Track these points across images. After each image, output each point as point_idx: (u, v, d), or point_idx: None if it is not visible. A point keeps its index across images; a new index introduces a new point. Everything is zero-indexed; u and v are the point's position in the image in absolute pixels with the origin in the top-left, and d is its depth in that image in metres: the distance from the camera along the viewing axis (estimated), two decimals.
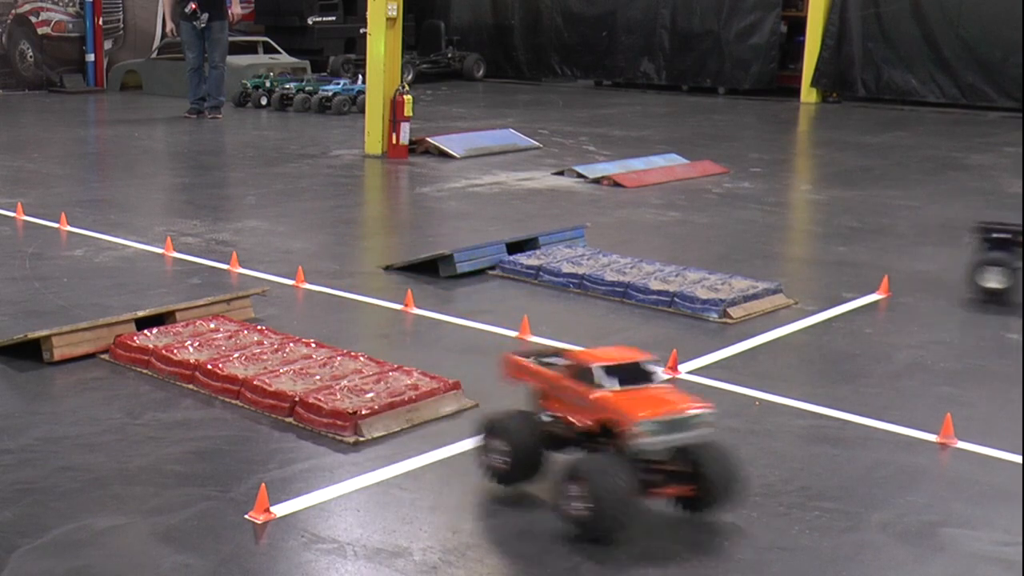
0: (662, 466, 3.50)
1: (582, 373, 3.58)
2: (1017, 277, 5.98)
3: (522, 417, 3.73)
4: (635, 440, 3.37)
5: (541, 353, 4.00)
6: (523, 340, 5.34)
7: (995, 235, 6.13)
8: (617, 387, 3.51)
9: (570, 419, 3.62)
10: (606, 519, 3.32)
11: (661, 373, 3.66)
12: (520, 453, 3.65)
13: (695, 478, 3.50)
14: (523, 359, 3.88)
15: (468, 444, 4.16)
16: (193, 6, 13.37)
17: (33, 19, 17.34)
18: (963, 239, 6.82)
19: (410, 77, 16.47)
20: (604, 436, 3.50)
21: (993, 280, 6.02)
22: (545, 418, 3.71)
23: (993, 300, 6.02)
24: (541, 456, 3.68)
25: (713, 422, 3.52)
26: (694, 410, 3.46)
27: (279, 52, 17.27)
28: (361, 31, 14.97)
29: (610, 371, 3.54)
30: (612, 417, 3.45)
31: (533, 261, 6.55)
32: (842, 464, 4.08)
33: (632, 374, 3.56)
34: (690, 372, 4.96)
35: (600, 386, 3.52)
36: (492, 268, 6.63)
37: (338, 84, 15.10)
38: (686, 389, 4.79)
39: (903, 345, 5.45)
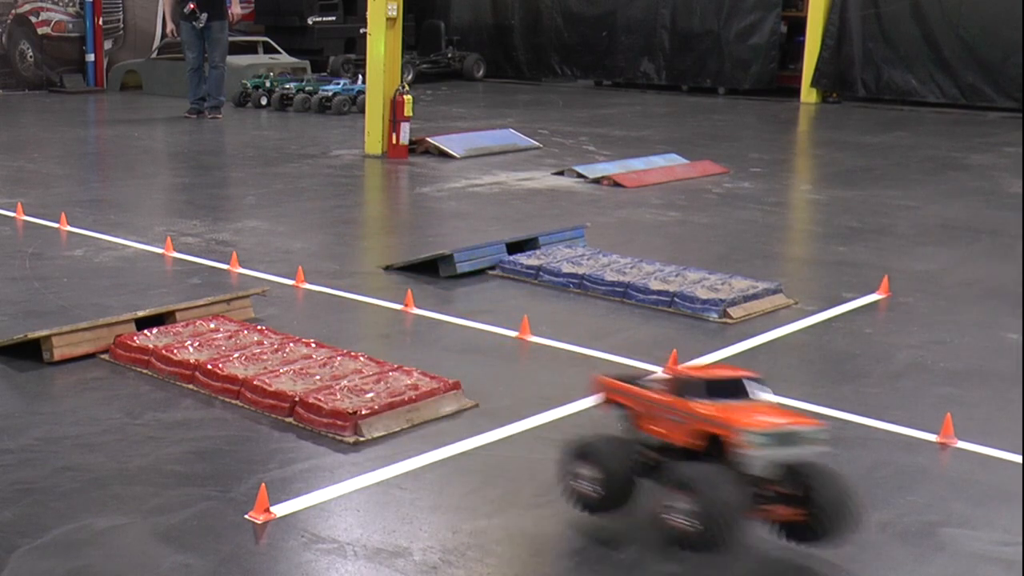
0: (771, 486, 3.26)
1: (684, 388, 3.39)
2: None
3: (615, 441, 3.50)
4: (745, 453, 3.17)
5: (628, 376, 3.81)
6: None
7: None
8: (720, 402, 3.33)
9: (670, 439, 3.41)
10: (713, 535, 3.10)
11: (765, 391, 3.44)
12: (613, 480, 3.41)
13: (805, 503, 3.23)
14: (615, 380, 3.68)
15: (468, 444, 4.17)
16: (192, 6, 13.37)
17: (33, 19, 17.35)
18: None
19: (410, 77, 16.48)
20: (709, 453, 3.29)
21: None
22: (641, 441, 3.49)
23: None
24: (634, 484, 3.45)
25: (826, 440, 3.33)
26: (807, 426, 3.28)
27: (279, 52, 17.27)
28: (361, 31, 14.97)
29: (712, 387, 3.37)
30: (719, 430, 3.24)
31: (533, 261, 6.55)
32: (842, 464, 4.07)
33: (734, 390, 3.38)
34: None
35: (704, 400, 3.34)
36: (492, 268, 6.63)
37: (338, 84, 15.10)
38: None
39: (903, 345, 5.45)
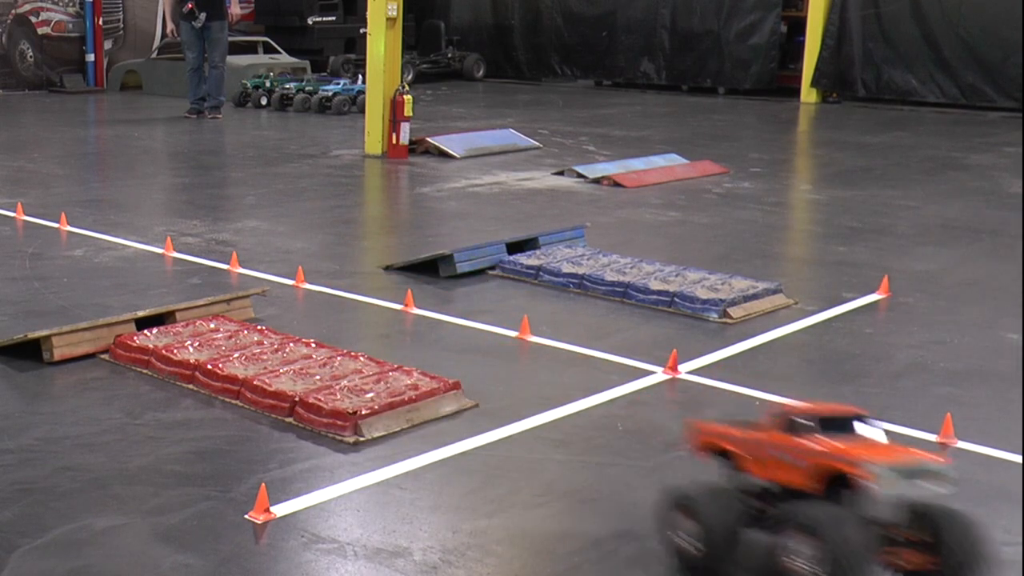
0: (898, 530, 3.05)
1: (796, 426, 3.15)
2: None
3: (718, 493, 3.25)
4: (871, 490, 2.93)
5: (725, 420, 3.63)
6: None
7: None
8: (837, 437, 3.10)
9: (783, 482, 3.15)
10: None
11: (875, 428, 3.20)
12: (716, 537, 3.15)
13: (935, 550, 3.01)
14: (714, 424, 3.48)
15: (468, 444, 4.17)
16: (190, 5, 13.37)
17: (33, 19, 17.35)
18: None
19: (410, 77, 16.48)
20: (826, 495, 3.03)
21: None
22: (743, 489, 3.27)
23: None
24: (738, 537, 3.18)
25: (955, 479, 3.11)
26: (935, 461, 3.07)
27: (279, 52, 17.27)
28: (361, 31, 14.97)
29: (826, 423, 3.13)
30: (843, 466, 2.99)
31: (533, 261, 6.55)
32: None
33: (846, 427, 3.15)
34: (690, 372, 4.96)
35: (821, 436, 3.10)
36: (492, 268, 6.63)
37: (338, 84, 15.10)
38: (688, 390, 4.80)
39: (903, 345, 5.45)
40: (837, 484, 3.01)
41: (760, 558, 3.13)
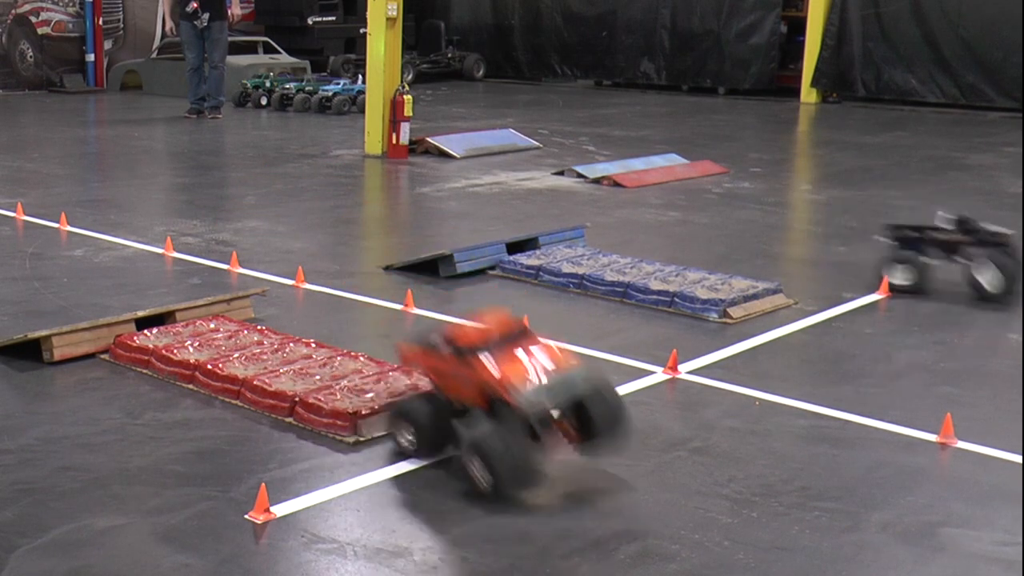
0: (554, 423, 3.81)
1: (460, 352, 3.83)
2: (924, 272, 6.29)
3: (424, 399, 3.99)
4: (520, 409, 3.67)
5: (426, 332, 4.19)
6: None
7: (904, 235, 6.47)
8: (491, 358, 3.76)
9: (462, 398, 3.86)
10: (504, 484, 3.63)
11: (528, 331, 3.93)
12: (425, 433, 3.93)
13: (581, 424, 3.83)
14: (412, 348, 4.07)
15: None
16: (194, 5, 13.35)
17: (33, 19, 17.35)
18: (873, 239, 7.01)
19: (410, 77, 16.48)
20: (495, 408, 3.74)
21: (900, 277, 6.29)
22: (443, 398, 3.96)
23: (904, 293, 6.26)
24: (447, 432, 3.88)
25: (592, 378, 3.85)
26: (573, 370, 3.83)
27: (279, 52, 17.27)
28: (361, 31, 14.96)
29: (489, 344, 3.81)
30: (494, 392, 3.72)
31: (533, 261, 6.55)
32: (842, 464, 4.08)
33: (510, 340, 3.85)
34: (690, 372, 4.96)
35: (481, 362, 3.77)
36: (492, 268, 6.63)
37: (338, 84, 15.10)
38: (686, 388, 4.80)
39: (903, 345, 5.45)
40: (501, 403, 3.72)
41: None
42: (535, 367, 3.78)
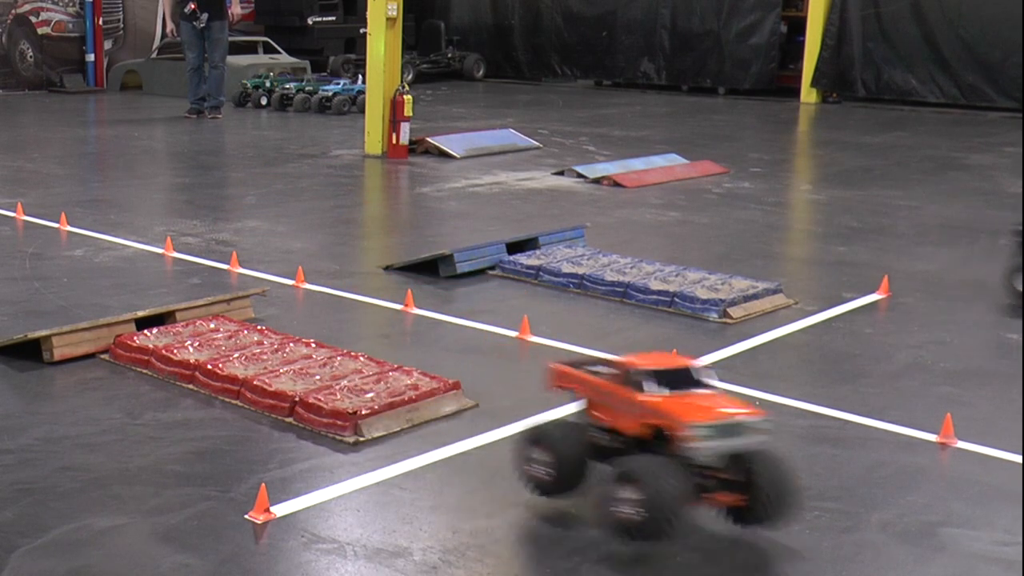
0: (715, 473, 3.38)
1: (630, 378, 3.49)
2: None
3: (567, 427, 3.64)
4: (688, 445, 3.29)
5: (586, 362, 3.91)
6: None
7: None
8: (667, 392, 3.42)
9: (619, 427, 3.53)
10: (658, 523, 3.21)
11: (712, 378, 3.57)
12: (564, 464, 3.54)
13: (747, 488, 3.37)
14: (568, 367, 3.79)
15: (468, 444, 4.17)
16: (192, 6, 13.36)
17: (33, 19, 17.34)
18: (1001, 241, 6.71)
19: (410, 77, 16.47)
20: (655, 443, 3.40)
21: None
22: (592, 428, 3.61)
23: None
24: (585, 467, 3.57)
25: (768, 429, 3.42)
26: (748, 417, 3.39)
27: (279, 52, 17.27)
28: (361, 31, 14.96)
29: (660, 376, 3.46)
30: (663, 422, 3.36)
31: (533, 261, 6.55)
32: (842, 464, 4.08)
33: (682, 380, 3.48)
34: None
35: (650, 391, 3.43)
36: (492, 268, 6.63)
37: (338, 84, 15.10)
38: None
39: (903, 345, 5.45)
40: (664, 435, 3.36)
41: (597, 496, 3.47)
42: (713, 404, 3.41)
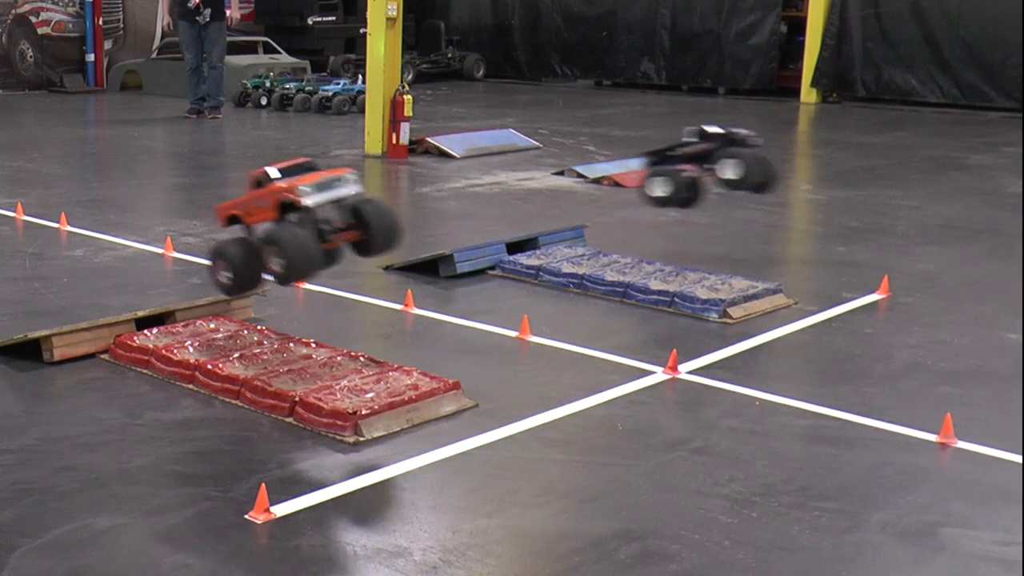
0: (335, 223, 4.76)
1: (264, 179, 4.72)
2: (680, 183, 7.19)
3: (238, 240, 4.82)
4: (302, 202, 4.56)
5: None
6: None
7: (657, 155, 7.43)
8: (288, 179, 4.69)
9: (265, 219, 4.71)
10: (297, 267, 4.57)
11: (348, 184, 4.79)
12: (240, 270, 4.75)
13: (361, 228, 4.78)
14: (227, 202, 4.98)
15: (468, 444, 4.17)
16: (196, 1, 13.32)
17: (33, 19, 17.34)
18: (633, 161, 7.94)
19: (410, 77, 16.47)
20: (284, 214, 4.62)
21: (660, 189, 7.22)
22: (254, 235, 4.76)
23: (663, 204, 7.36)
24: (258, 269, 4.74)
25: (356, 179, 4.78)
26: (340, 173, 4.75)
27: (279, 52, 17.26)
28: (361, 31, 14.96)
29: (282, 171, 4.73)
30: (284, 195, 4.61)
31: (533, 261, 6.55)
32: (842, 464, 4.08)
33: (300, 170, 4.76)
34: (690, 372, 4.96)
35: (276, 179, 4.70)
36: (492, 268, 6.63)
37: (338, 84, 15.09)
38: (688, 387, 4.80)
39: (903, 345, 5.45)
40: (290, 209, 4.63)
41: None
42: (316, 175, 4.70)
